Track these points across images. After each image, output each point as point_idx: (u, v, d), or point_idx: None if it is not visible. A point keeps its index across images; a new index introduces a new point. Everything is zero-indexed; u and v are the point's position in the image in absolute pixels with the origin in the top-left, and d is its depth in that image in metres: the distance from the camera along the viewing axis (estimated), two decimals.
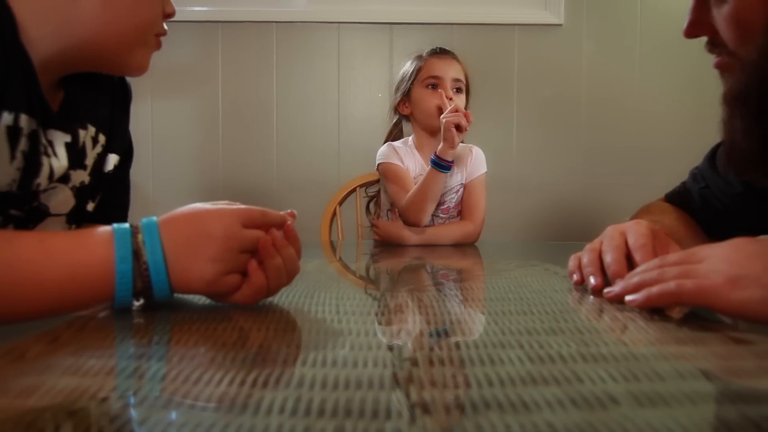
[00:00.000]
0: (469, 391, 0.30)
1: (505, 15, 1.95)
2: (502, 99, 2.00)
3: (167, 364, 0.35)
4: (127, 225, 0.47)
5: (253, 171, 1.97)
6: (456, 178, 1.36)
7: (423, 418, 0.27)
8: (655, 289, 0.47)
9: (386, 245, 1.28)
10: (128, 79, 0.78)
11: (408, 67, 1.39)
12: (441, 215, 1.37)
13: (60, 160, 0.65)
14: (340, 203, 1.64)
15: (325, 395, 0.30)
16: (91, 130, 0.71)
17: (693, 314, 0.47)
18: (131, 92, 0.79)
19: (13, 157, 0.58)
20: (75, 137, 0.68)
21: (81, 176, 0.69)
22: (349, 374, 0.33)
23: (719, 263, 0.45)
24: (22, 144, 0.59)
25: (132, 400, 0.29)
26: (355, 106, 1.99)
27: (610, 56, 2.00)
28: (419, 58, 1.38)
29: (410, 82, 1.36)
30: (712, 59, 0.63)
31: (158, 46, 0.69)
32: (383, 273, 0.85)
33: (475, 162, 1.37)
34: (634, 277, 0.52)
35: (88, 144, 0.70)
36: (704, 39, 0.62)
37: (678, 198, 0.87)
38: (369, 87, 1.98)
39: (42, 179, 0.62)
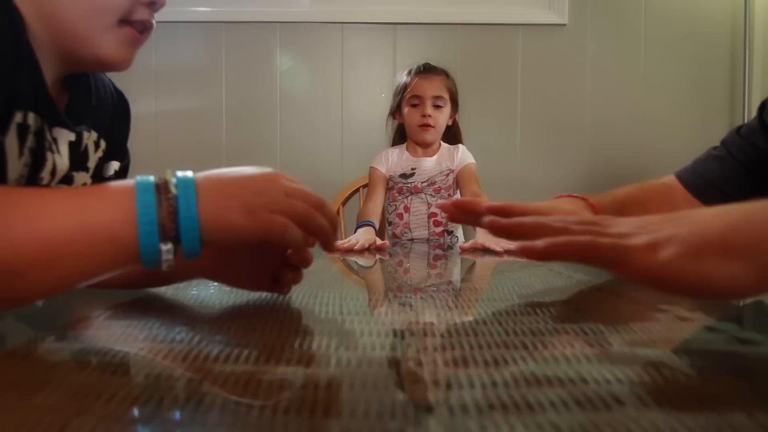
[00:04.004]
0: (473, 391, 0.30)
1: (509, 15, 1.95)
2: (505, 99, 2.00)
3: (171, 364, 0.35)
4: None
5: None
6: (445, 164, 1.55)
7: (427, 419, 0.27)
8: (562, 239, 0.38)
9: (390, 244, 1.28)
10: (132, 83, 0.78)
11: (400, 81, 1.59)
12: (433, 193, 1.53)
13: (62, 157, 0.65)
14: (343, 203, 1.64)
15: (329, 395, 0.30)
16: (93, 134, 0.71)
17: (698, 316, 0.47)
18: (129, 107, 0.80)
19: (21, 153, 0.59)
20: (79, 137, 0.68)
21: (83, 178, 0.70)
22: (353, 374, 0.33)
23: (631, 225, 0.40)
24: (30, 141, 0.60)
25: (137, 399, 0.30)
26: (359, 107, 1.99)
27: (614, 56, 1.99)
28: (408, 74, 1.57)
29: (400, 97, 1.57)
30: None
31: (133, 37, 0.64)
32: (387, 272, 0.85)
33: (462, 154, 1.56)
34: (528, 217, 0.43)
35: (91, 147, 0.71)
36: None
37: (683, 172, 0.87)
38: (372, 87, 1.98)
39: (45, 174, 0.63)
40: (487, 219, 0.43)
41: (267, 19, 1.96)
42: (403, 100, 1.56)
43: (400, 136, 1.64)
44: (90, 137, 0.71)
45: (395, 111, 1.61)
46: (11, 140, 0.57)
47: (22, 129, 0.58)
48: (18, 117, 0.57)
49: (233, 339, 0.40)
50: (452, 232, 1.54)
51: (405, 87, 1.56)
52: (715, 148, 0.85)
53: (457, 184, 1.54)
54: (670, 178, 0.88)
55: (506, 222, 0.42)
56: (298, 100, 1.98)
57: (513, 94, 2.00)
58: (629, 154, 2.00)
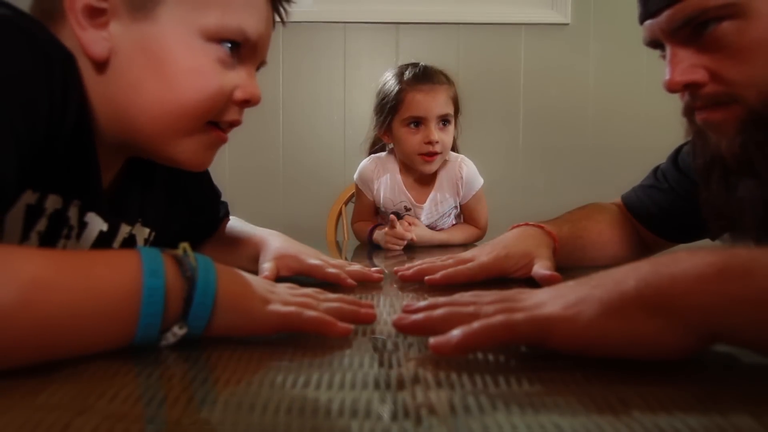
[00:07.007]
0: (475, 391, 0.30)
1: (512, 14, 1.95)
2: (508, 99, 2.00)
3: (174, 364, 0.36)
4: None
5: (259, 170, 1.97)
6: (448, 203, 1.27)
7: (429, 419, 0.27)
8: (476, 326, 0.35)
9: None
10: None
11: (389, 90, 1.22)
12: None
13: (81, 247, 0.55)
14: (346, 203, 1.64)
15: (331, 395, 0.30)
16: (144, 230, 0.63)
17: None
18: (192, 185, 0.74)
19: (26, 236, 0.50)
20: (113, 228, 0.58)
21: None
22: (356, 374, 0.33)
23: (545, 295, 0.38)
24: (41, 224, 0.50)
25: (139, 399, 0.30)
26: (361, 106, 1.99)
27: (617, 56, 1.99)
28: (400, 83, 1.19)
29: (390, 116, 1.20)
30: None
31: (218, 140, 0.55)
32: (389, 273, 0.85)
33: (467, 185, 1.26)
34: (437, 310, 0.40)
35: (140, 243, 0.63)
36: None
37: (626, 198, 0.89)
38: (375, 86, 1.98)
39: None
40: (394, 319, 0.40)
41: None
42: (396, 118, 1.19)
43: (380, 149, 1.34)
44: (140, 232, 0.62)
45: (381, 131, 1.24)
46: (14, 221, 0.48)
47: (33, 211, 0.49)
48: (30, 198, 0.48)
49: (235, 338, 0.40)
50: None
51: (397, 103, 1.18)
52: (656, 170, 0.86)
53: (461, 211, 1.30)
54: (618, 202, 0.90)
55: (413, 320, 0.39)
56: (300, 100, 1.98)
57: (516, 93, 2.00)
58: (632, 154, 1.99)
